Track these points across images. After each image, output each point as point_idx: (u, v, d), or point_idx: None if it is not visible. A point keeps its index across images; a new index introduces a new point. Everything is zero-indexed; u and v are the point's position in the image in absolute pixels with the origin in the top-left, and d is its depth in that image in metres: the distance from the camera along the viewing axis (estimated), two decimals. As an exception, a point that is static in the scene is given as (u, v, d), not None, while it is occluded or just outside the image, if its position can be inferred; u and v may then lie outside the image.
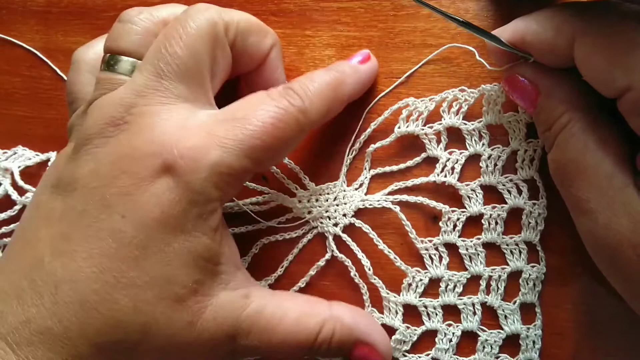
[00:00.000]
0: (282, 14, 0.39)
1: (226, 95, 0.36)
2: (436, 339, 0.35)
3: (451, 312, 0.36)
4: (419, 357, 0.35)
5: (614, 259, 0.27)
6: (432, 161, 0.36)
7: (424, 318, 0.36)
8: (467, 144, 0.35)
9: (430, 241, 0.36)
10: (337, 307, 0.33)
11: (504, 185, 0.35)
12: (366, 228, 0.36)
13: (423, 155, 0.36)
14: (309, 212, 0.37)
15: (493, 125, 0.35)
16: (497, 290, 0.35)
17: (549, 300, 0.35)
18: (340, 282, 0.37)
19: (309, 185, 0.37)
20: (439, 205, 0.35)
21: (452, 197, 0.36)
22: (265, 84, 0.35)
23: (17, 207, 0.40)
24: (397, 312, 0.36)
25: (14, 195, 0.39)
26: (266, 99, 0.31)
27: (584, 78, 0.28)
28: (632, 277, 0.27)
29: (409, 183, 0.36)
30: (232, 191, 0.31)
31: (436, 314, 0.35)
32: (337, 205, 0.37)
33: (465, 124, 0.35)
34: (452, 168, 0.35)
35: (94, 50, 0.34)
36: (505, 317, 0.35)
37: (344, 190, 0.37)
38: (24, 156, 0.40)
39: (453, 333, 0.35)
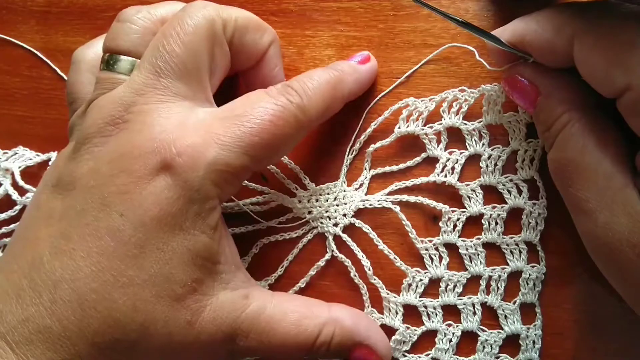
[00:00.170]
0: (282, 14, 0.39)
1: (225, 92, 0.36)
2: (436, 339, 0.35)
3: (451, 312, 0.36)
4: (419, 357, 0.35)
5: (613, 258, 0.27)
6: (432, 161, 0.36)
7: (424, 318, 0.36)
8: (467, 144, 0.35)
9: (430, 241, 0.36)
10: (337, 309, 0.33)
11: (504, 185, 0.35)
12: (366, 228, 0.36)
13: (423, 155, 0.36)
14: (309, 212, 0.37)
15: (493, 125, 0.35)
16: (497, 290, 0.35)
17: (549, 300, 0.35)
18: (340, 282, 0.37)
19: (309, 185, 0.37)
20: (439, 205, 0.35)
21: (452, 197, 0.36)
22: (263, 81, 0.35)
23: (17, 207, 0.40)
24: (397, 313, 0.36)
25: (15, 195, 0.39)
26: (265, 97, 0.31)
27: (584, 78, 0.28)
28: (632, 277, 0.27)
29: (409, 183, 0.36)
30: (231, 189, 0.31)
31: (436, 314, 0.35)
32: (337, 205, 0.37)
33: (466, 124, 0.35)
34: (452, 168, 0.35)
35: (93, 50, 0.34)
36: (505, 317, 0.35)
37: (344, 191, 0.37)
38: (25, 156, 0.40)
39: (453, 333, 0.35)
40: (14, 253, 0.29)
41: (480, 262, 0.35)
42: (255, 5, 0.39)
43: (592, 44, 0.27)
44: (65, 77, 0.41)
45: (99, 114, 0.30)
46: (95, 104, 0.31)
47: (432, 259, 0.36)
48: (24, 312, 0.27)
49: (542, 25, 0.29)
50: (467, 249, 0.35)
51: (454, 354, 0.35)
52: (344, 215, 0.36)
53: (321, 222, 0.37)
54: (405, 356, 0.36)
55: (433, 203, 0.35)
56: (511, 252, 0.35)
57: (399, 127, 0.36)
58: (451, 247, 0.36)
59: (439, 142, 0.36)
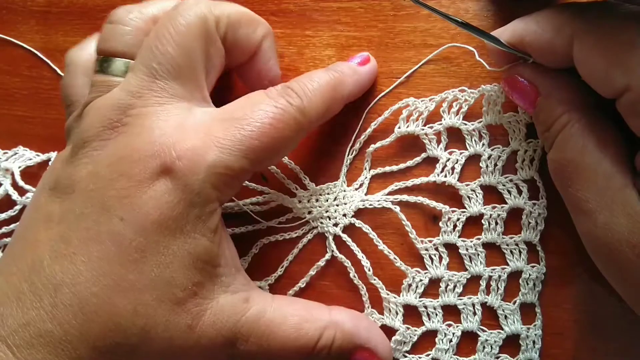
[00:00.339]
0: (282, 14, 0.39)
1: (220, 89, 0.36)
2: (436, 339, 0.35)
3: (451, 313, 0.36)
4: (419, 357, 0.35)
5: (613, 258, 0.27)
6: (432, 161, 0.36)
7: (424, 318, 0.36)
8: (467, 144, 0.35)
9: (430, 241, 0.36)
10: (337, 312, 0.33)
11: (504, 185, 0.35)
12: (366, 228, 0.36)
13: (423, 155, 0.36)
14: (309, 212, 0.37)
15: (493, 125, 0.35)
16: (497, 291, 0.35)
17: (549, 300, 0.35)
18: (340, 282, 0.37)
19: (309, 185, 0.37)
20: (439, 206, 0.35)
21: (452, 197, 0.36)
22: (257, 76, 0.35)
23: (17, 207, 0.40)
24: (397, 313, 0.36)
25: (15, 195, 0.39)
26: (265, 99, 0.31)
27: (583, 78, 0.28)
28: (631, 277, 0.27)
29: (409, 183, 0.36)
30: (230, 192, 0.31)
31: (436, 315, 0.35)
32: (337, 205, 0.37)
33: (465, 124, 0.35)
34: (452, 168, 0.35)
35: (87, 51, 0.34)
36: (506, 317, 0.35)
37: (344, 191, 0.37)
38: (25, 156, 0.40)
39: (453, 333, 0.35)
40: (13, 255, 0.29)
41: (480, 262, 0.35)
42: (255, 5, 0.39)
43: (591, 45, 0.27)
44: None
45: (96, 118, 0.30)
46: (92, 107, 0.30)
47: (432, 259, 0.36)
48: (25, 315, 0.26)
49: (541, 26, 0.29)
50: (467, 249, 0.35)
51: (454, 354, 0.35)
52: (344, 215, 0.36)
53: (321, 222, 0.37)
54: (406, 356, 0.36)
55: (433, 203, 0.35)
56: (511, 252, 0.35)
57: (399, 127, 0.36)
58: (451, 247, 0.36)
59: (439, 142, 0.36)
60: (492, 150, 0.35)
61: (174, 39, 0.30)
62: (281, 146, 0.31)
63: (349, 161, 0.37)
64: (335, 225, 0.37)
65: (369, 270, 0.36)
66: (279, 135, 0.30)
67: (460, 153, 0.35)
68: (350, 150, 0.37)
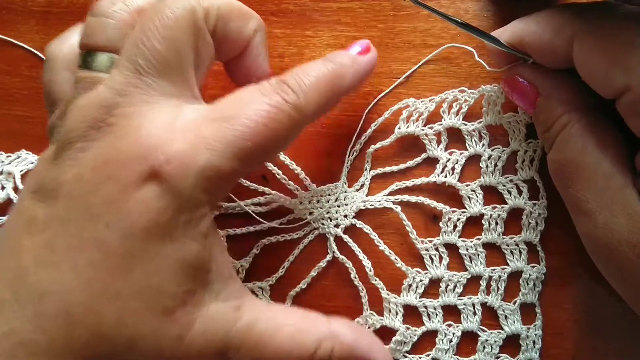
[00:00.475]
0: (282, 14, 0.39)
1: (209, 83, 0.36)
2: (436, 340, 0.35)
3: (451, 313, 0.36)
4: (420, 357, 0.36)
5: (613, 259, 0.28)
6: (432, 161, 0.36)
7: (424, 318, 0.36)
8: (467, 145, 0.35)
9: (431, 241, 0.36)
10: (337, 324, 0.31)
11: (504, 185, 0.35)
12: (367, 229, 0.36)
13: (423, 155, 0.36)
14: (310, 213, 0.37)
15: (493, 125, 0.35)
16: (497, 291, 0.35)
17: (549, 300, 0.35)
18: (341, 282, 0.37)
19: (310, 186, 0.37)
20: (439, 206, 0.35)
21: (453, 197, 0.36)
22: (246, 72, 0.33)
23: (18, 209, 0.40)
24: (397, 313, 0.36)
25: (16, 199, 0.39)
26: (258, 96, 0.29)
27: (583, 79, 0.28)
28: (631, 277, 0.27)
29: (409, 183, 0.36)
30: (221, 194, 0.29)
31: (436, 315, 0.35)
32: (338, 206, 0.37)
33: (465, 124, 0.35)
34: (453, 168, 0.35)
35: (68, 43, 0.32)
36: (506, 317, 0.35)
37: (345, 192, 0.37)
38: (27, 160, 0.40)
39: (453, 333, 0.35)
40: None
41: (481, 262, 0.35)
42: (255, 5, 0.39)
43: (591, 45, 0.27)
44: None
45: (80, 116, 0.28)
46: (75, 105, 0.28)
47: (432, 259, 0.36)
48: (7, 324, 0.25)
49: (541, 26, 0.29)
50: (467, 249, 0.35)
51: (454, 354, 0.35)
52: (345, 216, 0.37)
53: (322, 223, 0.37)
54: (406, 357, 0.36)
55: (433, 203, 0.35)
56: (511, 252, 0.35)
57: (399, 128, 0.36)
58: (451, 248, 0.36)
59: (439, 142, 0.36)
60: (492, 150, 0.35)
61: (160, 33, 0.28)
62: (275, 146, 0.29)
63: (349, 162, 0.37)
64: (337, 226, 0.37)
65: (370, 270, 0.36)
66: (272, 134, 0.28)
67: (461, 153, 0.35)
68: (350, 151, 0.37)
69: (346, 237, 0.36)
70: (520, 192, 0.35)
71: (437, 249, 0.36)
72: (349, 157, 0.37)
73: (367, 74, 0.33)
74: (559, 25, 0.28)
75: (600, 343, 0.34)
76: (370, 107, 0.37)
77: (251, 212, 0.37)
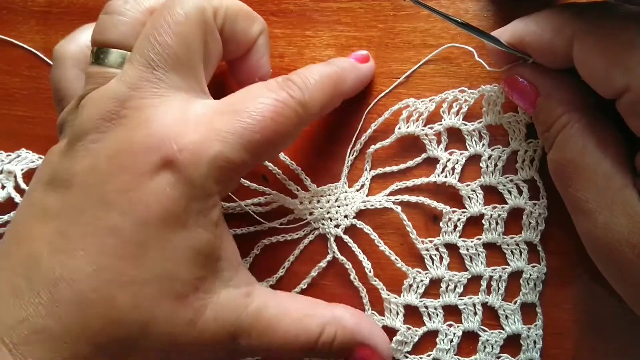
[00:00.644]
0: (282, 14, 0.39)
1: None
2: (437, 340, 0.35)
3: (452, 313, 0.36)
4: (420, 357, 0.36)
5: (613, 259, 0.27)
6: (432, 162, 0.36)
7: (425, 319, 0.36)
8: (467, 145, 0.35)
9: (431, 241, 0.36)
10: (339, 309, 0.33)
11: (504, 185, 0.35)
12: (367, 229, 0.36)
13: (423, 155, 0.36)
14: (311, 214, 0.37)
15: (493, 125, 0.35)
16: (498, 291, 0.35)
17: (550, 300, 0.35)
18: (341, 282, 0.37)
19: (311, 186, 0.37)
20: (440, 206, 0.35)
21: (453, 197, 0.36)
22: (249, 71, 0.35)
23: (19, 209, 0.40)
24: (398, 313, 0.36)
25: (17, 198, 0.39)
26: (265, 92, 0.30)
27: (583, 79, 0.28)
28: (631, 277, 0.27)
29: (410, 183, 0.36)
30: (231, 185, 0.31)
31: (437, 315, 0.35)
32: (339, 206, 0.37)
33: (466, 124, 0.35)
34: (453, 168, 0.35)
35: (76, 43, 0.33)
36: (506, 317, 0.35)
37: (345, 192, 0.37)
38: (27, 159, 0.40)
39: (454, 333, 0.35)
40: (8, 252, 0.28)
41: (481, 262, 0.35)
42: (255, 5, 0.38)
43: (591, 45, 0.27)
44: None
45: (94, 109, 0.29)
46: (89, 98, 0.29)
47: (432, 260, 0.36)
48: (22, 312, 0.26)
49: (541, 26, 0.29)
50: (467, 249, 0.35)
51: (455, 354, 0.35)
52: (345, 216, 0.37)
53: (322, 223, 0.37)
54: (407, 357, 0.36)
55: (434, 203, 0.35)
56: (512, 252, 0.35)
57: (399, 128, 0.36)
58: (452, 248, 0.36)
59: (439, 142, 0.36)
60: (492, 150, 0.35)
61: (172, 29, 0.29)
62: (282, 139, 0.30)
63: (349, 162, 0.37)
64: (337, 226, 0.37)
65: (370, 271, 0.36)
66: (280, 128, 0.30)
67: (461, 153, 0.35)
68: (351, 151, 0.37)
69: (346, 238, 0.36)
70: (520, 192, 0.35)
71: (437, 249, 0.36)
72: (349, 157, 0.37)
73: (366, 81, 0.36)
74: (559, 25, 0.28)
75: (600, 343, 0.34)
76: (370, 107, 0.37)
77: (251, 212, 0.37)
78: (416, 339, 0.36)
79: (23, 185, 0.39)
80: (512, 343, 0.35)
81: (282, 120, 0.30)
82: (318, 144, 0.38)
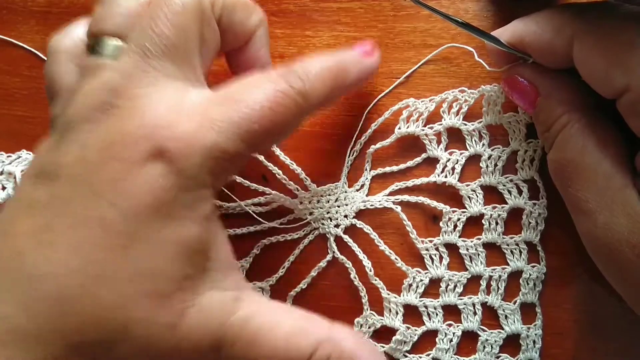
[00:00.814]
0: (282, 14, 0.39)
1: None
2: (437, 339, 0.35)
3: (451, 312, 0.36)
4: (420, 357, 0.36)
5: (613, 258, 0.28)
6: (432, 161, 0.36)
7: (425, 318, 0.36)
8: (467, 145, 0.35)
9: (431, 241, 0.36)
10: (338, 329, 0.29)
11: (504, 185, 0.35)
12: (367, 229, 0.36)
13: (423, 155, 0.36)
14: (311, 214, 0.37)
15: (493, 125, 0.35)
16: (498, 290, 0.35)
17: (549, 300, 0.35)
18: (341, 282, 0.37)
19: (311, 186, 0.37)
20: (440, 206, 0.35)
21: (453, 197, 0.36)
22: (247, 63, 0.34)
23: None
24: (397, 313, 0.36)
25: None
26: (265, 81, 0.29)
27: (583, 79, 0.28)
28: (631, 277, 0.27)
29: (410, 183, 0.36)
30: (225, 177, 0.29)
31: (436, 314, 0.36)
32: (339, 206, 0.37)
33: (466, 124, 0.35)
34: (453, 168, 0.35)
35: (70, 37, 0.32)
36: (506, 317, 0.35)
37: (345, 192, 0.37)
38: (27, 160, 0.40)
39: (453, 333, 0.35)
40: None
41: (481, 262, 0.35)
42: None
43: (591, 45, 0.27)
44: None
45: (84, 100, 0.28)
46: (81, 89, 0.28)
47: (432, 259, 0.36)
48: (0, 310, 0.24)
49: (541, 26, 0.29)
50: (467, 249, 0.35)
51: (454, 354, 0.35)
52: (345, 216, 0.37)
53: (322, 223, 0.37)
54: (406, 356, 0.36)
55: (434, 203, 0.36)
56: (511, 252, 0.35)
57: (399, 128, 0.36)
58: (451, 247, 0.36)
59: (439, 142, 0.36)
60: (492, 150, 0.35)
61: (169, 19, 0.28)
62: (280, 130, 0.29)
63: (349, 162, 0.37)
64: (337, 226, 0.37)
65: (370, 270, 0.36)
66: (278, 119, 0.28)
67: (461, 153, 0.35)
68: (350, 151, 0.37)
69: (346, 237, 0.36)
70: (520, 192, 0.35)
71: (437, 249, 0.36)
72: (349, 157, 0.37)
73: (369, 74, 0.34)
74: (559, 25, 0.28)
75: (600, 343, 0.34)
76: (370, 107, 0.37)
77: (251, 212, 0.37)
78: (415, 338, 0.36)
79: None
80: (512, 343, 0.35)
81: (281, 110, 0.28)
82: (318, 144, 0.38)
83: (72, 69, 0.31)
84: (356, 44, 0.34)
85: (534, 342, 0.35)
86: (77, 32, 0.32)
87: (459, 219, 0.35)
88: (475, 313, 0.35)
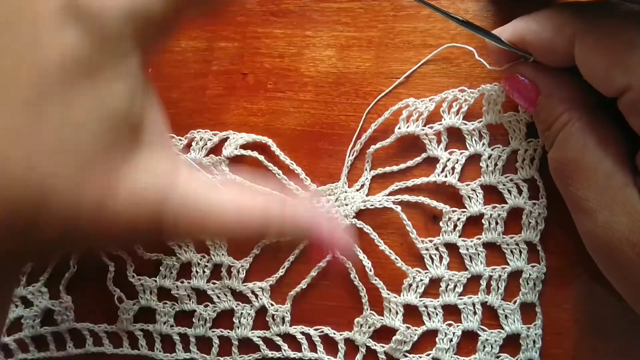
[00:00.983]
0: (282, 14, 0.39)
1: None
2: (437, 339, 0.35)
3: (451, 312, 0.36)
4: (420, 357, 0.35)
5: (613, 257, 0.28)
6: (432, 161, 0.36)
7: (425, 318, 0.36)
8: (467, 144, 0.35)
9: (431, 241, 0.36)
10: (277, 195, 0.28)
11: (504, 185, 0.35)
12: (367, 228, 0.36)
13: (423, 155, 0.36)
14: (310, 213, 0.37)
15: (493, 125, 0.35)
16: (498, 290, 0.35)
17: (549, 300, 0.35)
18: (341, 282, 0.37)
19: (311, 186, 0.37)
20: (440, 205, 0.35)
21: (453, 197, 0.36)
22: None
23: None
24: (397, 313, 0.36)
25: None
26: None
27: (584, 77, 0.28)
28: (631, 276, 0.27)
29: (410, 183, 0.36)
30: (150, 41, 0.26)
31: (436, 314, 0.35)
32: (339, 206, 0.37)
33: (466, 124, 0.35)
34: (453, 168, 0.35)
35: None
36: (506, 316, 0.35)
37: (346, 192, 0.37)
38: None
39: (453, 333, 0.35)
40: None
41: (481, 261, 0.35)
42: (255, 5, 0.39)
43: (592, 44, 0.27)
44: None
45: None
46: None
47: (432, 259, 0.36)
48: None
49: (542, 25, 0.29)
50: (467, 249, 0.35)
51: (454, 354, 0.35)
52: (345, 216, 0.36)
53: (322, 223, 0.37)
54: (406, 356, 0.36)
55: (433, 203, 0.35)
56: (511, 251, 0.35)
57: (399, 128, 0.36)
58: (451, 247, 0.36)
59: (439, 142, 0.36)
60: (492, 149, 0.35)
61: None
62: None
63: (349, 162, 0.37)
64: (337, 225, 0.37)
65: (370, 270, 0.36)
66: None
67: (461, 153, 0.35)
68: (351, 151, 0.37)
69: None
70: (520, 192, 0.35)
71: (437, 249, 0.36)
72: (349, 157, 0.37)
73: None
74: (560, 24, 0.28)
75: (600, 343, 0.34)
76: (370, 107, 0.37)
77: (251, 212, 0.37)
78: (415, 338, 0.36)
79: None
80: (512, 343, 0.35)
81: None
82: (318, 144, 0.38)
83: None
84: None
85: (534, 342, 0.34)
86: None
87: (459, 219, 0.35)
88: (475, 313, 0.35)
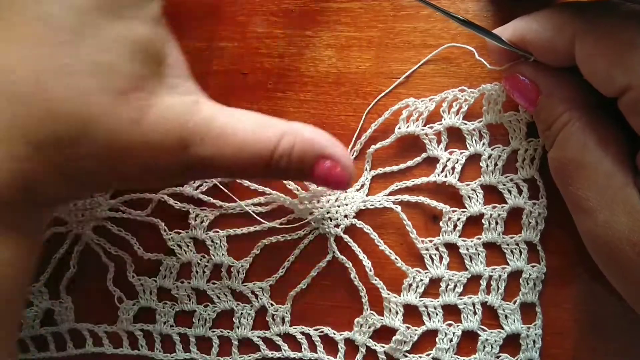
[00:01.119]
0: (282, 14, 0.39)
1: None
2: (437, 339, 0.35)
3: (451, 312, 0.36)
4: (420, 357, 0.35)
5: (613, 257, 0.28)
6: (432, 161, 0.36)
7: (425, 318, 0.36)
8: (467, 144, 0.35)
9: (431, 241, 0.36)
10: (296, 123, 0.30)
11: (504, 184, 0.35)
12: (367, 228, 0.36)
13: (423, 155, 0.36)
14: (311, 214, 0.37)
15: (493, 124, 0.35)
16: (498, 290, 0.35)
17: (549, 300, 0.35)
18: (341, 281, 0.37)
19: (310, 186, 0.37)
20: (440, 205, 0.35)
21: (453, 197, 0.36)
22: None
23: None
24: (397, 313, 0.36)
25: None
26: None
27: (585, 77, 0.28)
28: (632, 275, 0.27)
29: (410, 183, 0.36)
30: None
31: (436, 314, 0.35)
32: (339, 206, 0.37)
33: (466, 123, 0.35)
34: (453, 168, 0.35)
35: None
36: (506, 316, 0.35)
37: (345, 192, 0.37)
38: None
39: (453, 333, 0.35)
40: None
41: (481, 261, 0.35)
42: (255, 5, 0.39)
43: (593, 44, 0.27)
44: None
45: None
46: None
47: (432, 259, 0.36)
48: None
49: (542, 25, 0.29)
50: (467, 249, 0.35)
51: (454, 354, 0.35)
52: (345, 216, 0.36)
53: (322, 223, 0.37)
54: (406, 356, 0.36)
55: (434, 203, 0.35)
56: (511, 251, 0.35)
57: (399, 128, 0.36)
58: (451, 247, 0.36)
59: (439, 142, 0.36)
60: (492, 149, 0.35)
61: None
62: None
63: (349, 161, 0.37)
64: (337, 226, 0.36)
65: (370, 270, 0.36)
66: None
67: (461, 153, 0.35)
68: (351, 151, 0.37)
69: (346, 237, 0.36)
70: (520, 192, 0.35)
71: (437, 249, 0.36)
72: (349, 156, 0.37)
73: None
74: (560, 24, 0.28)
75: (600, 343, 0.34)
76: (370, 107, 0.37)
77: (251, 212, 0.37)
78: (415, 338, 0.36)
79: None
80: (512, 343, 0.35)
81: None
82: (318, 144, 0.38)
83: None
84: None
85: (534, 341, 0.35)
86: None
87: (459, 219, 0.35)
88: (475, 313, 0.35)
